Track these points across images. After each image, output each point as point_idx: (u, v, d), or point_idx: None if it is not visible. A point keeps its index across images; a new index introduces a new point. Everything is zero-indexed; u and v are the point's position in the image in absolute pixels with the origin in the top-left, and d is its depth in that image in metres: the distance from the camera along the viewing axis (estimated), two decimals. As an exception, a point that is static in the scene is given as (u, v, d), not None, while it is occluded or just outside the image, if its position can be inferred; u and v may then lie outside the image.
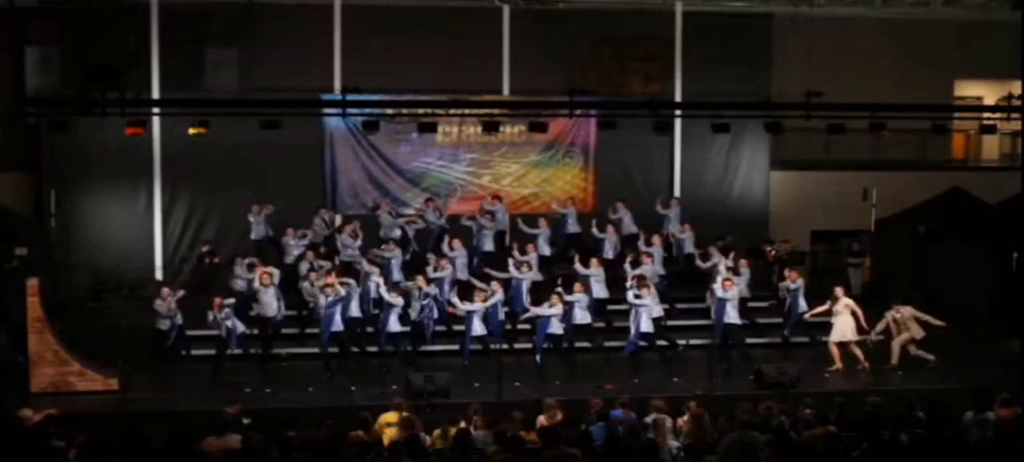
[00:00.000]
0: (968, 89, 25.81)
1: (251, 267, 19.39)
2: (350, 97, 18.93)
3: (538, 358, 18.33)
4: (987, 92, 25.03)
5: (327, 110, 21.22)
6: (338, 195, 22.76)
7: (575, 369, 18.33)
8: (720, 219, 22.83)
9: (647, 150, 23.27)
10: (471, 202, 22.96)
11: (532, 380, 17.77)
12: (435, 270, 19.46)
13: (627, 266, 19.91)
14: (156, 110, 20.34)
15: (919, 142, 23.60)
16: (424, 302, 18.70)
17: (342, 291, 18.02)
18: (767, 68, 23.60)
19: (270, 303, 18.49)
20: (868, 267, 23.32)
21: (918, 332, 18.58)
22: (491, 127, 20.14)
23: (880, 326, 18.88)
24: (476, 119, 21.40)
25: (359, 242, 20.51)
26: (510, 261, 20.07)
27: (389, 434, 13.14)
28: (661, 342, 18.62)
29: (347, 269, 19.67)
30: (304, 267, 19.73)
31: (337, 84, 22.10)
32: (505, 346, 18.73)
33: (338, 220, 21.69)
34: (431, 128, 20.77)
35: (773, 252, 22.06)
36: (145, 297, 20.78)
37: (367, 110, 20.12)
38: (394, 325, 18.26)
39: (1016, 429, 12.28)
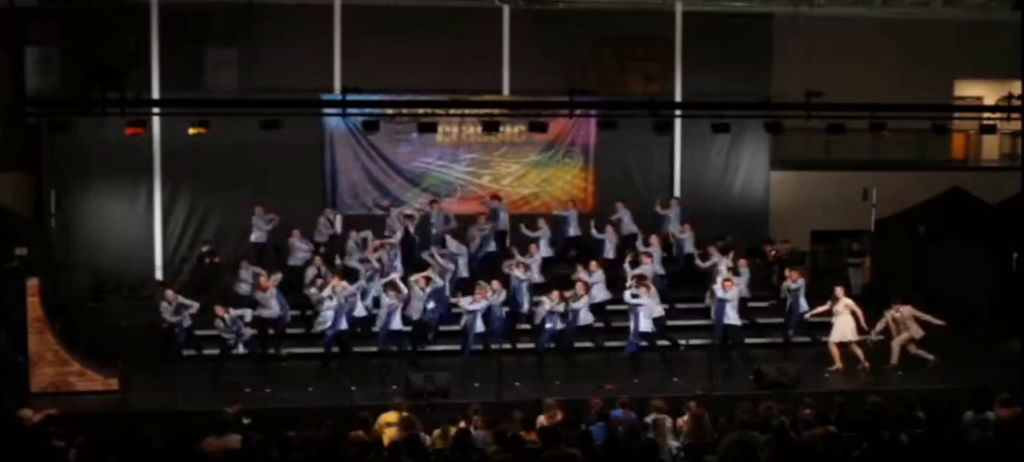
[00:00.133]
0: (968, 89, 25.80)
1: (256, 275, 19.40)
2: (350, 97, 18.92)
3: (543, 345, 18.37)
4: (987, 92, 25.03)
5: (327, 110, 21.22)
6: (338, 195, 22.76)
7: (575, 369, 18.33)
8: (720, 219, 22.83)
9: (647, 150, 23.26)
10: (471, 202, 22.97)
11: (532, 380, 17.78)
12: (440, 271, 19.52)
13: (627, 266, 19.92)
14: (156, 110, 20.34)
15: (919, 142, 23.60)
16: (428, 304, 18.70)
17: (352, 288, 18.23)
18: (767, 68, 23.59)
19: (272, 306, 18.47)
20: (868, 267, 23.31)
21: (917, 332, 18.58)
22: (491, 127, 20.14)
23: (880, 326, 18.88)
24: (476, 119, 21.40)
25: (369, 251, 20.37)
26: (508, 262, 20.07)
27: (389, 434, 13.14)
28: (662, 342, 18.61)
29: (351, 274, 19.67)
30: (311, 272, 19.69)
31: (337, 84, 22.09)
32: (508, 346, 18.72)
33: (339, 221, 21.70)
34: (431, 128, 20.76)
35: (773, 252, 22.07)
36: (145, 297, 20.82)
37: (367, 110, 20.12)
38: (395, 324, 18.24)
39: (1016, 429, 12.28)
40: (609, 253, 21.29)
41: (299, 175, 22.30)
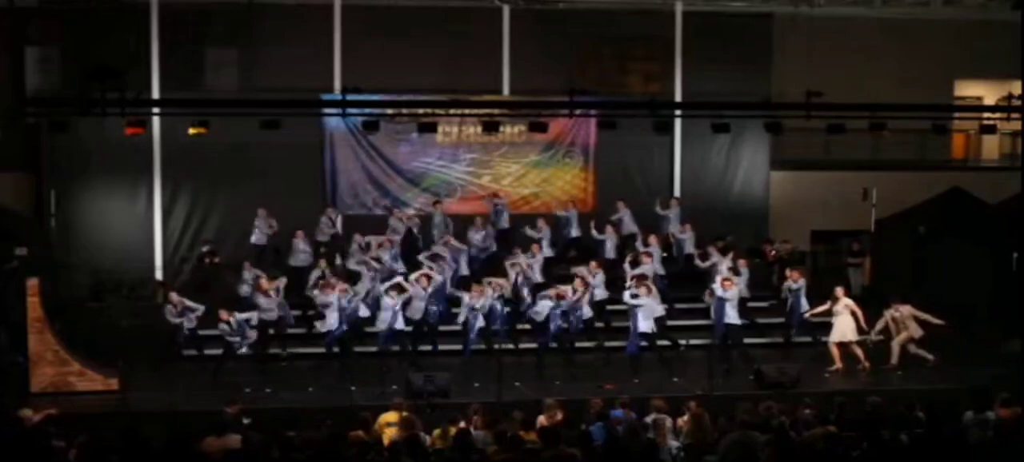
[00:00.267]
0: (968, 89, 25.80)
1: (258, 279, 19.42)
2: (350, 97, 18.93)
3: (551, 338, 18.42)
4: (987, 92, 25.03)
5: (327, 110, 21.22)
6: (338, 195, 22.76)
7: (575, 369, 18.33)
8: (720, 219, 22.82)
9: (647, 150, 23.27)
10: (471, 202, 22.97)
11: (532, 380, 17.77)
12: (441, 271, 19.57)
13: (627, 266, 19.94)
14: (156, 110, 20.34)
15: (919, 142, 23.59)
16: (431, 306, 18.70)
17: (360, 290, 18.31)
18: (767, 68, 23.60)
19: (271, 310, 18.44)
20: (868, 267, 23.31)
21: (917, 331, 18.58)
22: (491, 127, 20.15)
23: (879, 325, 18.88)
24: (476, 119, 21.40)
25: (371, 255, 20.37)
26: (511, 258, 20.08)
27: (389, 434, 13.14)
28: (662, 342, 18.61)
29: (353, 276, 19.68)
30: (315, 275, 19.67)
31: (337, 84, 22.10)
32: (511, 346, 18.69)
33: (339, 220, 21.70)
34: (431, 128, 20.77)
35: (773, 252, 22.07)
36: (145, 297, 20.85)
37: (367, 110, 20.12)
38: (397, 324, 18.23)
39: (1016, 429, 12.28)
40: (609, 253, 21.29)
41: (299, 175, 22.31)
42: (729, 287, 18.63)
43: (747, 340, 19.08)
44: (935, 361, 18.47)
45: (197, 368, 18.09)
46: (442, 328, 19.29)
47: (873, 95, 20.10)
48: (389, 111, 21.60)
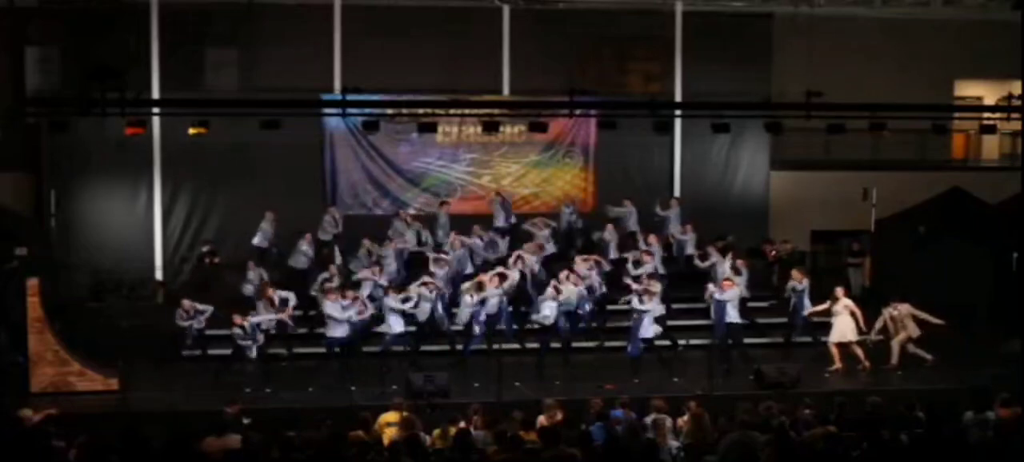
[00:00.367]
0: (968, 89, 25.81)
1: (261, 279, 19.45)
2: (350, 97, 18.94)
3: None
4: (987, 92, 25.04)
5: (327, 110, 21.23)
6: (338, 195, 22.77)
7: (575, 369, 18.32)
8: (720, 219, 22.81)
9: (647, 150, 23.27)
10: (471, 202, 22.97)
11: (532, 380, 17.77)
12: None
13: (630, 266, 19.96)
14: (156, 110, 20.35)
15: (919, 142, 23.59)
16: (437, 308, 18.70)
17: (371, 307, 18.22)
18: (767, 68, 23.61)
19: (271, 319, 18.37)
20: (868, 267, 23.31)
21: (915, 330, 18.58)
22: (491, 127, 20.16)
23: (878, 325, 18.87)
24: (476, 119, 21.41)
25: (375, 257, 20.38)
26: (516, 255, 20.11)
27: (389, 434, 13.14)
28: (662, 342, 18.62)
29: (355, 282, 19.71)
30: (322, 277, 19.52)
31: (337, 84, 22.10)
32: (516, 346, 18.74)
33: (341, 220, 21.72)
34: (431, 128, 20.78)
35: (773, 252, 22.06)
36: (145, 297, 20.85)
37: (367, 110, 20.13)
38: (398, 326, 18.20)
39: (1016, 429, 12.28)
40: (611, 253, 21.29)
41: (299, 175, 22.31)
42: (729, 287, 18.62)
43: (747, 340, 19.08)
44: (933, 361, 18.47)
45: (197, 368, 18.09)
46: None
47: (873, 95, 20.09)
48: (389, 111, 21.60)
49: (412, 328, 18.58)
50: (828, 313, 18.85)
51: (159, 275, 22.07)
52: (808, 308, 19.21)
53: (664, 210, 22.57)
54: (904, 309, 18.64)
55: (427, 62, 22.12)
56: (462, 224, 21.69)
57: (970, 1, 24.09)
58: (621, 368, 18.19)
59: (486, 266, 20.53)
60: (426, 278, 18.89)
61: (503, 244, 21.23)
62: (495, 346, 18.20)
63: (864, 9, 24.08)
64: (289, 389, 17.35)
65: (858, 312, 18.66)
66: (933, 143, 23.39)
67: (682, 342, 18.81)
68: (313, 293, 19.39)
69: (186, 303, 18.30)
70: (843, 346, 18.59)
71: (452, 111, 21.76)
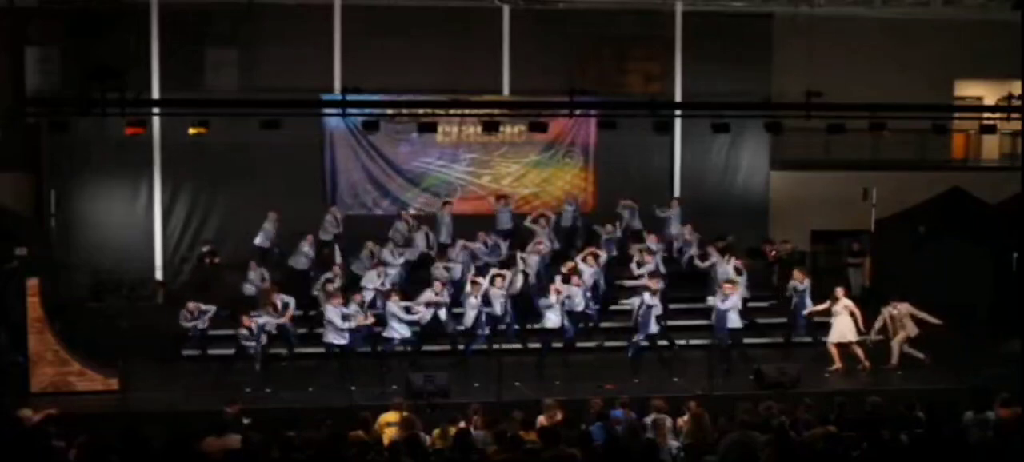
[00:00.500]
0: (968, 89, 25.81)
1: (263, 279, 19.45)
2: (350, 97, 18.95)
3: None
4: (987, 92, 25.04)
5: (327, 110, 21.23)
6: (338, 195, 22.77)
7: (575, 369, 18.32)
8: (720, 219, 22.81)
9: (647, 150, 23.26)
10: (471, 202, 22.98)
11: (532, 380, 17.77)
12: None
13: (633, 266, 19.97)
14: (156, 110, 20.36)
15: (919, 142, 23.58)
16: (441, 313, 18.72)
17: (371, 318, 18.19)
18: (767, 68, 23.60)
19: (274, 322, 18.37)
20: (868, 267, 23.31)
21: (913, 330, 18.58)
22: (491, 127, 20.16)
23: (878, 324, 18.86)
24: (476, 119, 21.41)
25: (377, 258, 20.37)
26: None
27: (389, 434, 13.15)
28: (662, 342, 18.62)
29: (356, 279, 19.66)
30: (324, 277, 19.52)
31: (337, 84, 22.10)
32: (519, 346, 18.74)
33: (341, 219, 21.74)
34: (431, 128, 20.78)
35: (773, 252, 22.06)
36: (145, 297, 20.85)
37: (367, 110, 20.14)
38: (402, 332, 18.16)
39: (1016, 429, 12.28)
40: (613, 252, 21.28)
41: (299, 175, 22.32)
42: (731, 291, 18.57)
43: (747, 340, 19.07)
44: (925, 360, 18.46)
45: (197, 368, 18.10)
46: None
47: (873, 95, 20.10)
48: (389, 111, 21.61)
49: (415, 331, 18.48)
50: (828, 313, 18.85)
51: (159, 275, 22.07)
52: (809, 307, 19.21)
53: (665, 212, 22.55)
54: (904, 308, 18.64)
55: (427, 62, 22.12)
56: (462, 224, 21.71)
57: (970, 1, 24.08)
58: (621, 368, 18.20)
59: (487, 268, 20.59)
60: (431, 295, 18.70)
61: (505, 246, 21.20)
62: (496, 346, 18.19)
63: (864, 9, 24.07)
64: (289, 389, 17.35)
65: (857, 312, 18.67)
66: (933, 143, 23.39)
67: (681, 342, 18.79)
68: (315, 293, 19.40)
69: (191, 305, 18.32)
70: (842, 346, 18.59)
71: (452, 111, 21.76)
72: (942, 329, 18.55)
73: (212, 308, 18.37)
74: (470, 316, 18.64)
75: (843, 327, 18.57)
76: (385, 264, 19.91)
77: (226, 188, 22.34)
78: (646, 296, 18.28)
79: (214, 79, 22.60)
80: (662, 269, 20.51)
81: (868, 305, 19.36)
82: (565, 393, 16.08)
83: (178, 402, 16.53)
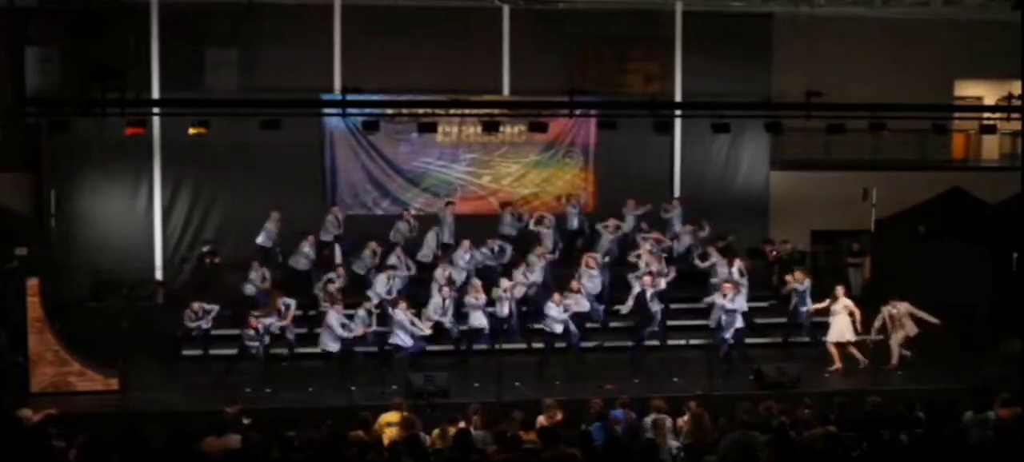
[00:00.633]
0: (968, 89, 25.81)
1: (264, 279, 19.48)
2: (350, 97, 18.95)
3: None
4: (987, 92, 25.04)
5: (327, 110, 21.23)
6: (338, 195, 22.76)
7: (575, 369, 18.32)
8: (720, 219, 22.78)
9: (647, 150, 23.25)
10: (471, 202, 22.97)
11: (532, 380, 17.77)
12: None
13: (634, 259, 19.97)
14: (156, 110, 20.36)
15: (919, 142, 23.59)
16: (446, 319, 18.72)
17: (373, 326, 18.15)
18: (767, 68, 23.60)
19: (272, 325, 18.35)
20: (868, 267, 23.31)
21: (912, 329, 18.58)
22: (491, 127, 20.16)
23: (877, 323, 18.85)
24: (476, 119, 21.40)
25: (378, 260, 20.37)
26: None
27: (389, 434, 13.15)
28: (653, 342, 18.71)
29: (358, 280, 19.63)
30: (326, 277, 19.52)
31: (337, 84, 22.10)
32: (523, 346, 18.71)
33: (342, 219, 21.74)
34: (431, 128, 20.78)
35: (773, 252, 22.06)
36: (145, 297, 20.84)
37: (367, 110, 20.14)
38: (408, 342, 18.10)
39: (1016, 429, 12.29)
40: (612, 251, 21.27)
41: (299, 175, 22.31)
42: (730, 290, 18.55)
43: (747, 340, 19.06)
44: (912, 357, 18.44)
45: (197, 368, 18.12)
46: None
47: (873, 95, 20.10)
48: (389, 111, 21.60)
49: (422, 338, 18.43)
50: (827, 312, 18.85)
51: (159, 275, 22.07)
52: (810, 307, 19.20)
53: (666, 212, 22.53)
54: (903, 307, 18.65)
55: (427, 62, 22.12)
56: (462, 224, 21.69)
57: (970, 1, 24.07)
58: (621, 368, 18.21)
59: (490, 272, 20.60)
60: (435, 311, 18.66)
61: (510, 250, 21.18)
62: (497, 346, 18.18)
63: (864, 9, 24.06)
64: (289, 389, 17.36)
65: (857, 312, 18.68)
66: (933, 143, 23.39)
67: (681, 342, 18.78)
68: (316, 292, 19.39)
69: (195, 305, 18.33)
70: (841, 346, 18.59)
71: (452, 111, 21.76)
72: (942, 329, 18.56)
73: (215, 308, 18.40)
74: (475, 318, 18.60)
75: (841, 326, 18.58)
76: (394, 269, 19.80)
77: (226, 188, 22.34)
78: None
79: (214, 79, 22.59)
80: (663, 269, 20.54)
81: (868, 305, 19.36)
82: (565, 393, 16.09)
83: (178, 402, 16.55)
